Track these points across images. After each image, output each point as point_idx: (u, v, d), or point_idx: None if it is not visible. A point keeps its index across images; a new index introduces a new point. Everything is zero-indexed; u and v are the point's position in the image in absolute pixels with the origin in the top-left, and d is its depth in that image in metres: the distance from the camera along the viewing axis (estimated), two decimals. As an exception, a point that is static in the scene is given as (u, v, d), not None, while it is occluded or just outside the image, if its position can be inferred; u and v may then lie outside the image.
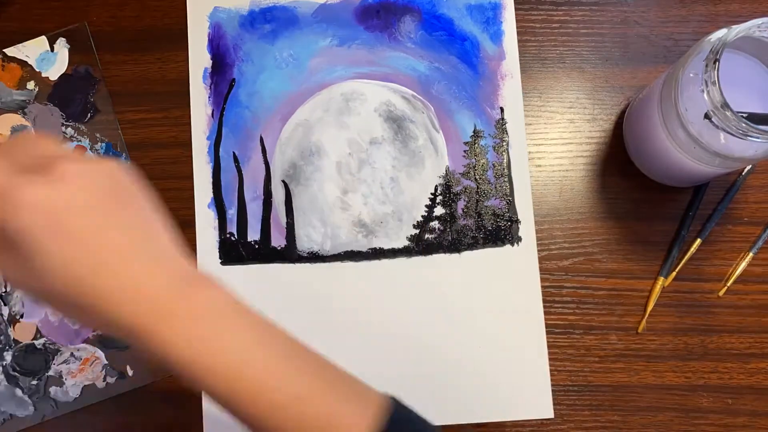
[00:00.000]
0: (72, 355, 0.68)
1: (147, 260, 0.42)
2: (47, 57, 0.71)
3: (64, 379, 0.67)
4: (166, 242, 0.44)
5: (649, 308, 0.66)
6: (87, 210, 0.40)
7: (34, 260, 0.39)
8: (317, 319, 0.67)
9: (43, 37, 0.71)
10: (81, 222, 0.40)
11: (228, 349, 0.42)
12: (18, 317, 0.68)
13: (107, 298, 0.41)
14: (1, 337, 0.68)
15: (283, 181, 0.69)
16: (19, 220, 0.38)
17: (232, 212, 0.69)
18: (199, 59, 0.71)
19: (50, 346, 0.68)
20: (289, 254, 0.68)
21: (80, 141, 0.70)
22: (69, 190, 0.40)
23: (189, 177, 0.70)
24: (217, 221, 0.69)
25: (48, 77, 0.71)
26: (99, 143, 0.70)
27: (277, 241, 0.68)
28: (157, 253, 0.43)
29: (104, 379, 0.67)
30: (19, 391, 0.67)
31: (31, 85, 0.71)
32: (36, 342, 0.68)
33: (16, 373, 0.67)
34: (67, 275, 0.40)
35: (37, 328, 0.68)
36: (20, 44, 0.71)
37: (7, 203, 0.38)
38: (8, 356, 0.68)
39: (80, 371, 0.67)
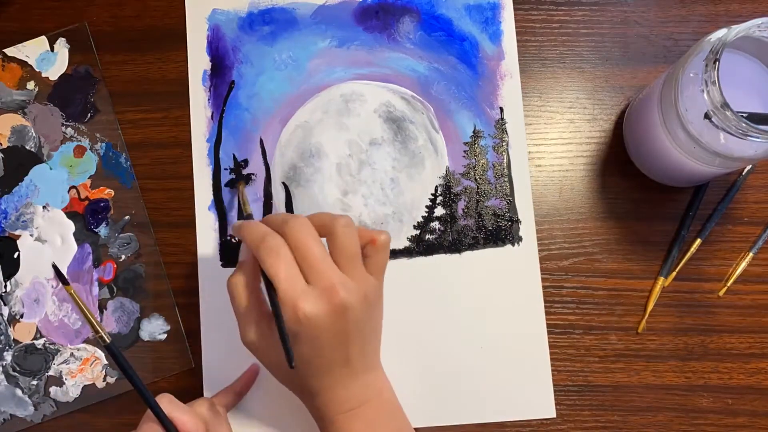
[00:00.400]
0: (72, 355, 0.68)
1: (363, 370, 0.56)
2: (47, 57, 0.71)
3: (64, 379, 0.67)
4: (377, 354, 0.59)
5: (649, 308, 0.66)
6: (341, 333, 0.53)
7: (300, 350, 0.53)
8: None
9: (43, 37, 0.71)
10: (332, 339, 0.53)
11: None
12: (18, 317, 0.68)
13: (322, 391, 0.56)
14: (1, 337, 0.68)
15: (284, 183, 0.69)
16: (292, 327, 0.52)
17: (232, 214, 0.69)
18: (198, 61, 0.71)
19: (50, 346, 0.68)
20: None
21: (80, 141, 0.70)
22: (336, 318, 0.52)
23: (189, 177, 0.70)
24: (217, 223, 0.69)
25: (48, 77, 0.71)
26: (99, 143, 0.70)
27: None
28: (371, 363, 0.58)
29: (104, 379, 0.67)
30: (19, 391, 0.67)
31: (31, 85, 0.71)
32: (36, 342, 0.68)
33: (16, 373, 0.67)
34: (301, 368, 0.54)
35: (37, 328, 0.68)
36: (20, 44, 0.71)
37: (293, 313, 0.51)
38: (8, 356, 0.68)
39: (80, 371, 0.67)
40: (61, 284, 0.67)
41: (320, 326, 0.52)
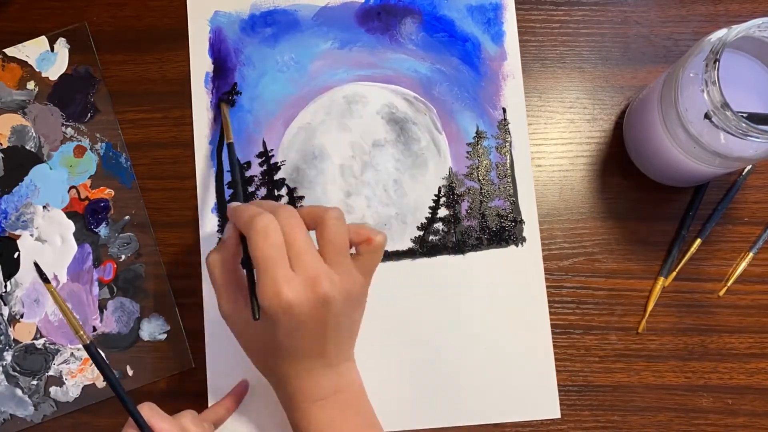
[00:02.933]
0: (72, 355, 0.67)
1: (337, 363, 0.57)
2: (47, 57, 0.71)
3: (64, 379, 0.67)
4: (352, 348, 0.59)
5: (649, 308, 0.67)
6: (321, 324, 0.53)
7: (259, 335, 0.55)
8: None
9: (43, 37, 0.71)
10: (312, 330, 0.53)
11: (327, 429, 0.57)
12: (18, 317, 0.68)
13: (293, 378, 0.56)
14: (1, 337, 0.68)
15: (287, 185, 0.69)
16: (273, 312, 0.51)
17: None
18: (200, 63, 0.71)
19: (50, 346, 0.67)
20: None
21: (80, 141, 0.70)
22: (318, 309, 0.52)
23: (189, 177, 0.69)
24: (221, 226, 0.69)
25: (48, 77, 0.71)
26: (99, 143, 0.70)
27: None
28: (345, 356, 0.58)
29: (104, 380, 0.67)
30: (19, 391, 0.67)
31: (31, 85, 0.71)
32: (36, 342, 0.68)
33: (16, 373, 0.67)
34: (276, 354, 0.55)
35: (37, 328, 0.68)
36: (20, 44, 0.71)
37: (273, 295, 0.51)
38: (8, 356, 0.67)
39: (80, 371, 0.67)
40: (60, 285, 0.67)
41: (300, 314, 0.51)
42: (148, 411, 0.56)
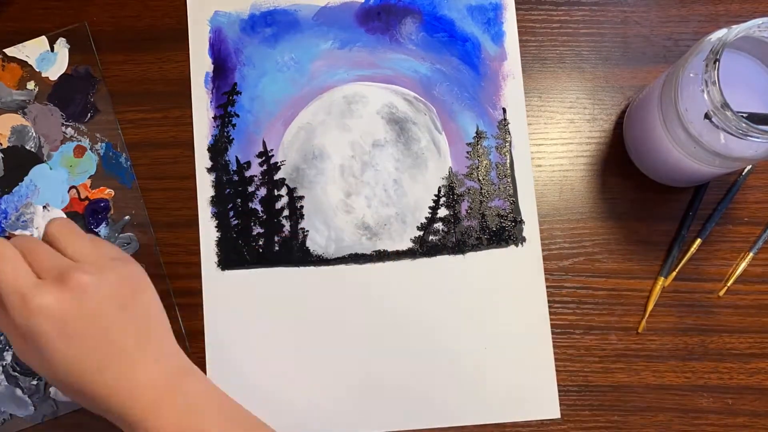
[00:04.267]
0: (72, 355, 0.67)
1: (145, 359, 0.51)
2: (47, 57, 0.71)
3: (64, 380, 0.67)
4: (165, 340, 0.54)
5: (649, 308, 0.67)
6: (94, 316, 0.49)
7: (43, 355, 0.48)
8: (322, 322, 0.67)
9: (43, 37, 0.71)
10: (87, 326, 0.49)
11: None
12: (18, 317, 0.68)
13: (107, 392, 0.49)
14: (1, 337, 0.68)
15: (287, 185, 0.69)
16: (33, 323, 0.47)
17: (234, 216, 0.69)
18: (200, 64, 0.71)
19: (50, 346, 0.67)
20: (293, 258, 0.68)
21: (80, 141, 0.70)
22: (79, 299, 0.48)
23: (189, 177, 0.69)
24: (220, 226, 0.69)
25: (48, 77, 0.71)
26: (99, 143, 0.70)
27: (281, 245, 0.68)
28: (156, 352, 0.52)
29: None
30: (19, 391, 0.67)
31: (31, 85, 0.71)
32: (36, 342, 0.67)
33: (16, 373, 0.67)
34: (72, 371, 0.49)
35: (37, 329, 0.68)
36: (20, 44, 0.71)
37: (24, 307, 0.47)
38: (8, 356, 0.67)
39: (80, 371, 0.67)
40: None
41: (62, 312, 0.48)
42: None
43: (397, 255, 0.68)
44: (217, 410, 0.53)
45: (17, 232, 0.64)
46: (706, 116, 0.53)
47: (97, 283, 0.50)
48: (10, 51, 0.71)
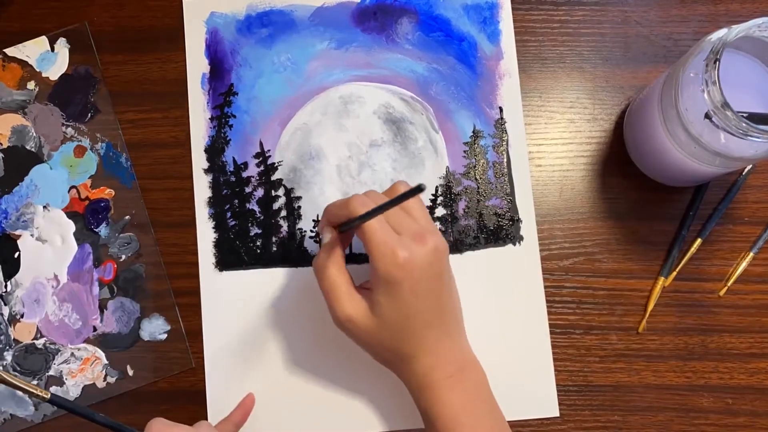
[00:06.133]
0: (72, 355, 0.68)
1: (459, 333, 0.59)
2: (47, 57, 0.71)
3: (64, 379, 0.67)
4: (461, 321, 0.60)
5: (650, 308, 0.66)
6: (438, 278, 0.55)
7: (391, 302, 0.54)
8: (321, 322, 0.67)
9: (43, 37, 0.71)
10: (432, 286, 0.55)
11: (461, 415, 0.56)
12: (18, 317, 0.68)
13: (421, 350, 0.56)
14: (1, 337, 0.68)
15: (284, 186, 0.69)
16: (396, 273, 0.53)
17: (232, 217, 0.69)
18: (196, 65, 0.71)
19: (50, 346, 0.68)
20: (291, 258, 0.68)
21: (80, 141, 0.70)
22: (429, 260, 0.54)
23: (189, 177, 0.70)
24: (218, 227, 0.69)
25: (48, 77, 0.71)
26: (99, 143, 0.70)
27: (279, 245, 0.68)
28: (462, 330, 0.60)
29: (104, 379, 0.67)
30: (19, 392, 0.67)
31: (31, 85, 0.71)
32: (36, 342, 0.68)
33: (16, 373, 0.67)
34: (405, 321, 0.55)
35: (38, 328, 0.68)
36: (20, 44, 0.71)
37: (393, 258, 0.53)
38: (8, 356, 0.68)
39: (80, 371, 0.67)
40: (60, 285, 0.67)
41: (420, 267, 0.53)
42: (161, 425, 0.56)
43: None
44: (488, 401, 0.59)
45: (18, 232, 0.64)
46: (707, 116, 0.53)
47: (444, 249, 0.55)
48: (10, 51, 0.71)
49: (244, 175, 0.69)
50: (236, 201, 0.69)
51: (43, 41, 0.71)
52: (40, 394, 0.52)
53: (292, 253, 0.68)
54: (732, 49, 0.57)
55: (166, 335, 0.68)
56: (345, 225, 0.56)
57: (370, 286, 0.56)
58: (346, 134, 0.70)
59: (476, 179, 0.69)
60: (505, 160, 0.69)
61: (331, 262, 0.57)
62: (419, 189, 0.45)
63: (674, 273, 0.67)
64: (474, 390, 0.58)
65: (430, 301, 0.55)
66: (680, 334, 0.66)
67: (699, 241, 0.67)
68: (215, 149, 0.70)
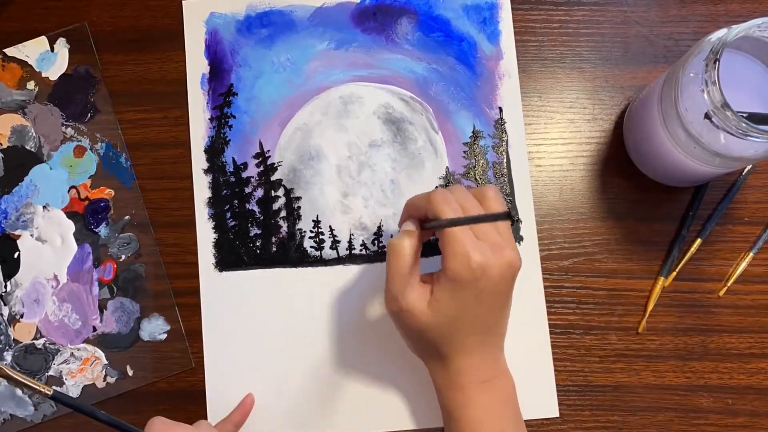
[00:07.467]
0: (72, 355, 0.68)
1: (501, 344, 0.60)
2: (47, 57, 0.71)
3: (64, 379, 0.67)
4: (504, 337, 0.60)
5: (649, 308, 0.66)
6: (502, 292, 0.56)
7: (453, 301, 0.54)
8: (320, 322, 0.67)
9: (43, 37, 0.71)
10: (496, 297, 0.55)
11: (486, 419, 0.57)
12: (18, 317, 0.68)
13: (465, 350, 0.57)
14: (1, 337, 0.68)
15: (284, 186, 0.69)
16: (465, 274, 0.53)
17: (232, 217, 0.69)
18: (196, 65, 0.71)
19: (50, 346, 0.68)
20: (291, 258, 0.68)
21: (80, 141, 0.70)
22: (501, 273, 0.54)
23: (188, 177, 0.70)
24: (218, 227, 0.69)
25: (48, 77, 0.71)
26: (99, 143, 0.70)
27: (278, 245, 0.68)
28: (503, 342, 0.60)
29: (104, 379, 0.67)
30: (19, 391, 0.67)
31: (31, 85, 0.71)
32: (36, 342, 0.68)
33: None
34: (460, 322, 0.55)
35: (37, 328, 0.68)
36: (20, 44, 0.71)
37: (466, 262, 0.53)
38: (8, 356, 0.68)
39: (80, 371, 0.67)
40: (60, 285, 0.68)
41: (489, 277, 0.54)
42: (161, 425, 0.56)
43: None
44: (513, 410, 0.59)
45: (17, 233, 0.64)
46: (706, 116, 0.53)
47: (517, 267, 0.56)
48: (10, 51, 0.71)
49: (244, 175, 0.69)
50: (236, 201, 0.69)
51: (42, 41, 0.71)
52: (42, 390, 0.52)
53: (291, 253, 0.68)
54: (732, 49, 0.57)
55: (165, 335, 0.68)
56: (429, 224, 0.56)
57: (429, 279, 0.57)
58: (345, 134, 0.70)
59: (476, 179, 0.68)
60: (504, 160, 0.69)
61: (411, 249, 0.56)
62: (511, 218, 0.49)
63: (674, 273, 0.67)
64: (503, 398, 0.58)
65: (487, 311, 0.56)
66: (680, 334, 0.66)
67: (699, 241, 0.67)
68: (215, 149, 0.70)
